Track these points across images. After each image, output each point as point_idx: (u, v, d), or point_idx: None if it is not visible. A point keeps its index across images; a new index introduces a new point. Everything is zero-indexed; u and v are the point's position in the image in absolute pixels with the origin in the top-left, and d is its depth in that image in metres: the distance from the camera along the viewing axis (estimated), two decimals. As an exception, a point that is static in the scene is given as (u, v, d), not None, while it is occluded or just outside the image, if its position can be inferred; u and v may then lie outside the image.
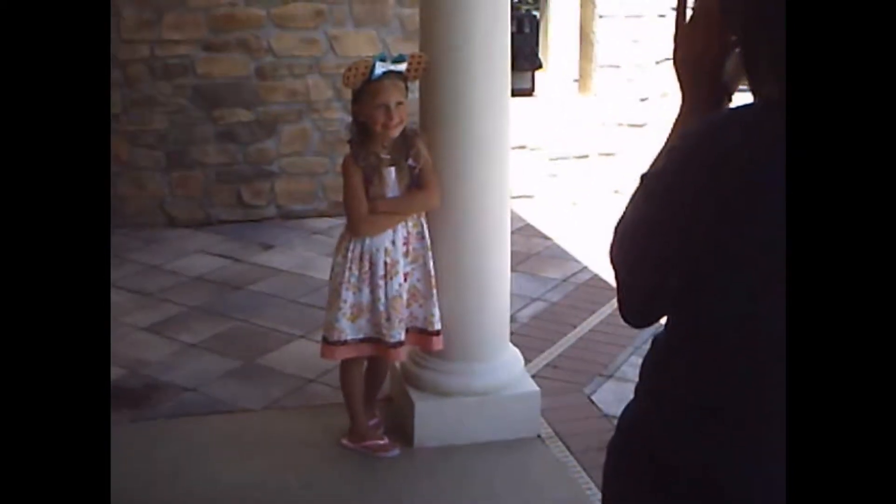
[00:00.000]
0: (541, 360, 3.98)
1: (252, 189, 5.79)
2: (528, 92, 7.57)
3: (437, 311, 3.14)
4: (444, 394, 3.25)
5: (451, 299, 3.19)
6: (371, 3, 5.69)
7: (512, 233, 3.42)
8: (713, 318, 1.23)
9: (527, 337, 4.10)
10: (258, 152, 5.72)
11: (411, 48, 5.77)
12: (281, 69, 5.64)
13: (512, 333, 3.50)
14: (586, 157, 6.60)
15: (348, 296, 3.04)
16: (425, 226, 3.14)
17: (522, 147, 6.21)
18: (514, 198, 3.46)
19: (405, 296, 3.09)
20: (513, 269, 3.43)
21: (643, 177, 1.25)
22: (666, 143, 1.27)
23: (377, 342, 3.09)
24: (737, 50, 1.20)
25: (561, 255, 5.40)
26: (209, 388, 3.70)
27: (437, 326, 3.14)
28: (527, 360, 3.56)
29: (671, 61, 1.27)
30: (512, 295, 3.46)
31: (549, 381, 3.71)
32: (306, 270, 4.95)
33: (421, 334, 3.17)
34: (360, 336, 3.09)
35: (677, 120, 1.28)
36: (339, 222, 5.97)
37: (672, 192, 1.19)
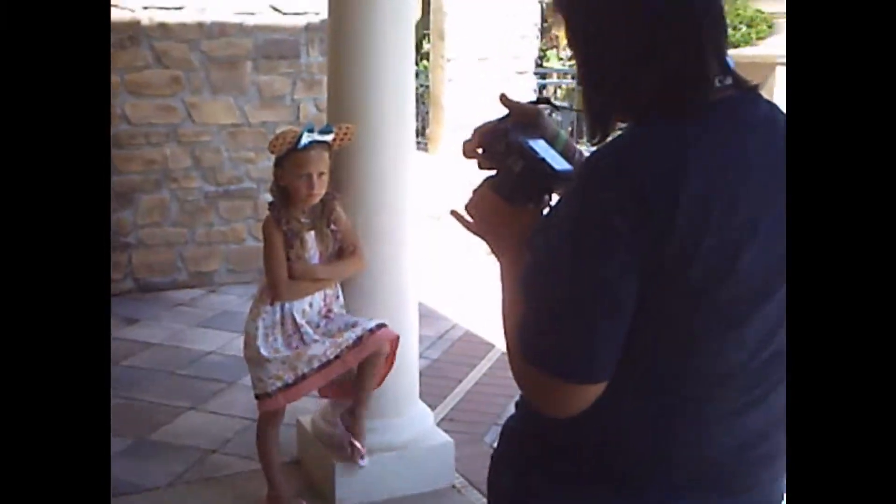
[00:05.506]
0: (436, 415, 4.03)
1: (106, 262, 5.59)
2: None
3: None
4: (363, 451, 3.26)
5: (366, 356, 3.21)
6: (228, 70, 5.67)
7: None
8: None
9: (419, 394, 4.15)
10: (114, 223, 5.53)
11: (269, 115, 5.84)
12: (137, 137, 5.51)
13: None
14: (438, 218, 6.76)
15: (274, 356, 3.00)
16: (339, 287, 3.17)
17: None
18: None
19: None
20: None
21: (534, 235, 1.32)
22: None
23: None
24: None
25: (429, 314, 5.48)
26: (103, 468, 3.52)
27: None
28: (426, 416, 3.61)
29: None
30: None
31: (449, 434, 3.76)
32: (180, 343, 4.82)
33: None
34: (302, 372, 3.00)
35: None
36: (202, 293, 5.87)
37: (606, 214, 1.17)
